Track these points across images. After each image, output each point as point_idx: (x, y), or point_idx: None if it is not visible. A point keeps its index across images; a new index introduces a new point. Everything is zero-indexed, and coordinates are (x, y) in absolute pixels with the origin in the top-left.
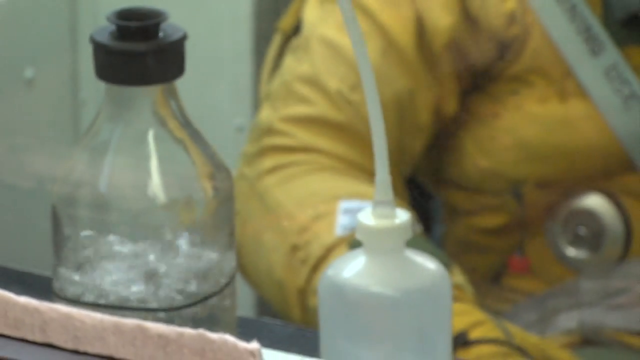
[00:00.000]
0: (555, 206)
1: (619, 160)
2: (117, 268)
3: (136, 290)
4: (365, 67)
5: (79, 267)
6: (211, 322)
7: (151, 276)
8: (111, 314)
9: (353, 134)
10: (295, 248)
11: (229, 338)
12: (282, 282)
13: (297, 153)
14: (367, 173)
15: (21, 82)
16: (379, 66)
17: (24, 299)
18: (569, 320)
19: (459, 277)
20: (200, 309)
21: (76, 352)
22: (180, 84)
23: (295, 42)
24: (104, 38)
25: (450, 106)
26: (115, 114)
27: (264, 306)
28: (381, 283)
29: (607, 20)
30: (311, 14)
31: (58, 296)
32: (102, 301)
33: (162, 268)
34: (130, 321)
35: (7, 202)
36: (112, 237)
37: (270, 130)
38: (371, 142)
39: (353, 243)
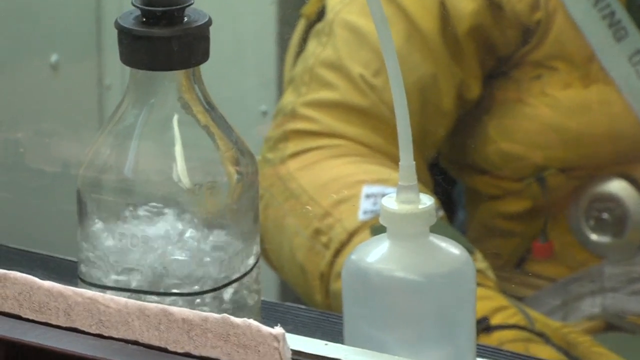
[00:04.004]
0: (578, 191)
1: None
2: (142, 252)
3: (160, 274)
4: (389, 51)
5: (103, 251)
6: (235, 307)
7: (175, 261)
8: (136, 298)
9: (376, 119)
10: (317, 232)
11: (253, 322)
12: (305, 266)
13: (320, 138)
14: (391, 158)
15: (46, 67)
16: (402, 51)
17: (48, 283)
18: (591, 305)
19: (482, 263)
20: (224, 293)
21: (100, 336)
22: (204, 69)
23: (319, 27)
24: (129, 23)
25: (474, 91)
26: (140, 99)
27: (287, 291)
28: (405, 268)
29: (631, 5)
30: None
31: (83, 280)
32: (126, 286)
33: (187, 253)
34: (154, 306)
35: (32, 186)
36: (136, 222)
37: (293, 115)
38: (395, 127)
39: (376, 228)
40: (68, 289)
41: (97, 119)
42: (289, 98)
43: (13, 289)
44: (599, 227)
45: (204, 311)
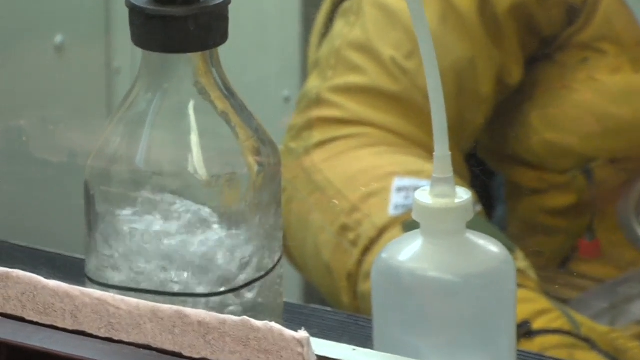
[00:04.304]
0: (628, 184)
1: None
2: (155, 250)
3: (175, 274)
4: (423, 32)
5: (113, 249)
6: (256, 309)
7: (191, 259)
8: (148, 299)
9: (409, 105)
10: (345, 228)
11: (275, 326)
12: (331, 265)
13: (348, 126)
14: (424, 148)
15: (51, 49)
16: (437, 32)
17: (54, 283)
18: None
19: (523, 262)
20: (244, 294)
21: (110, 340)
22: (223, 51)
23: (347, 5)
24: (141, 1)
25: (514, 76)
26: (152, 83)
27: (312, 292)
28: (440, 267)
29: None
30: None
31: (91, 280)
32: (138, 285)
33: (203, 250)
34: (168, 307)
35: (36, 178)
36: (149, 217)
37: (318, 101)
38: (429, 114)
39: (408, 224)
40: (75, 289)
41: (105, 105)
42: (313, 83)
43: (16, 289)
44: None
45: (222, 313)
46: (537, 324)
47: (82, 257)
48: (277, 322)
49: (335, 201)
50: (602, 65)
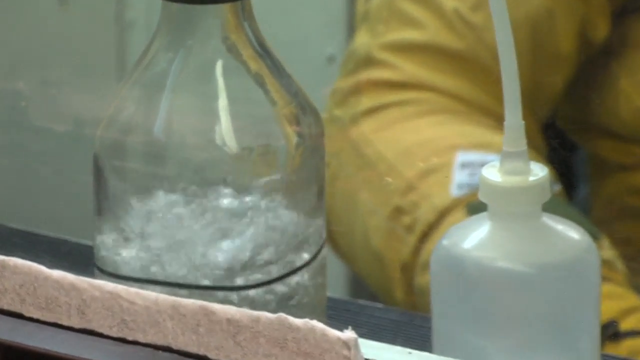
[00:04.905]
0: None
1: None
2: (176, 235)
3: (200, 263)
4: None
5: (127, 234)
6: (294, 305)
7: (218, 246)
8: (168, 293)
9: (474, 66)
10: (399, 211)
11: (317, 325)
12: (382, 254)
13: (403, 90)
14: (493, 116)
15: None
16: None
17: (57, 273)
18: None
19: (609, 251)
20: (280, 287)
21: (123, 340)
22: (257, 3)
23: None
24: None
25: (600, 31)
26: (174, 40)
27: (360, 285)
28: (511, 256)
29: None
30: None
31: (101, 270)
32: (156, 277)
33: (232, 236)
34: (192, 302)
35: (37, 150)
36: (169, 196)
37: (368, 61)
38: (498, 76)
39: (473, 206)
40: (82, 281)
41: (117, 65)
42: (362, 39)
43: (13, 280)
44: None
45: (254, 310)
46: (625, 324)
47: (91, 243)
48: (319, 320)
49: (388, 179)
50: None
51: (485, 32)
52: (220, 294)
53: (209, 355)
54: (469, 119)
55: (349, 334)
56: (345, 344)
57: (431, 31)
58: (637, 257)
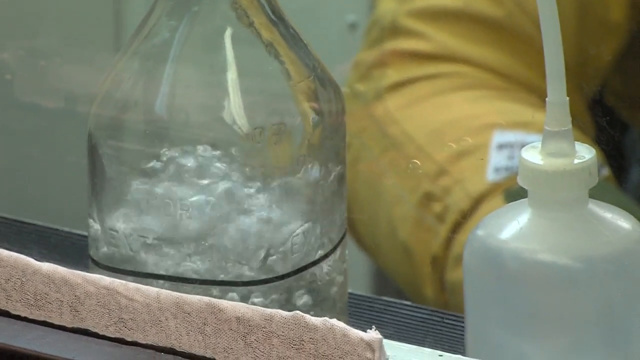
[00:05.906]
0: None
1: None
2: (179, 224)
3: (206, 255)
4: None
5: (125, 222)
6: (311, 302)
7: (227, 237)
8: (171, 288)
9: (514, 36)
10: (429, 198)
11: (337, 324)
12: (410, 246)
13: (434, 62)
14: (534, 93)
15: None
16: None
17: (48, 266)
18: None
19: None
20: (295, 283)
21: (121, 341)
22: None
23: None
24: None
25: None
26: (178, 5)
27: (385, 280)
28: (554, 248)
29: None
30: None
31: (96, 263)
32: (158, 271)
33: (243, 224)
34: (198, 299)
35: (24, 129)
36: (171, 181)
37: (395, 29)
38: (540, 47)
39: (512, 192)
40: (76, 275)
41: (114, 33)
42: (388, 5)
43: None
44: None
45: (267, 307)
46: None
47: (85, 232)
48: (339, 319)
49: (416, 161)
50: None
51: None
52: (230, 289)
53: (217, 358)
54: (506, 94)
55: (372, 334)
56: (369, 345)
57: None
58: None
